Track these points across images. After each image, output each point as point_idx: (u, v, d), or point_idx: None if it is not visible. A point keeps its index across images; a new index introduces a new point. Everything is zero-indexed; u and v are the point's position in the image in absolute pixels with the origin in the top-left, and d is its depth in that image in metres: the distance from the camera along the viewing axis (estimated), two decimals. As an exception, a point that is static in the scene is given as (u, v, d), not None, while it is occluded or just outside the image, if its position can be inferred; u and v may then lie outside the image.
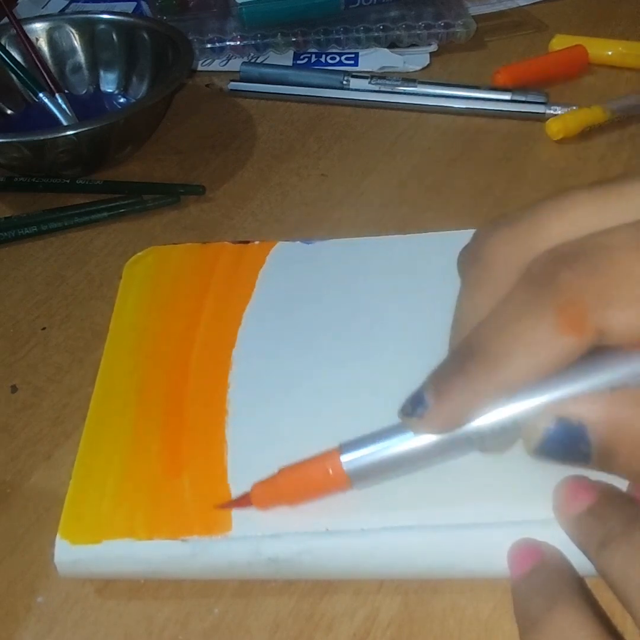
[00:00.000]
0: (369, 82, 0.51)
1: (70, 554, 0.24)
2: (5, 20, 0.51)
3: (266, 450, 0.26)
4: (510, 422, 0.21)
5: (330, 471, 0.23)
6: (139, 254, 0.36)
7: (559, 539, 0.23)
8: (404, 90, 0.51)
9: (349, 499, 0.24)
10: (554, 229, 0.21)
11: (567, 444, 0.20)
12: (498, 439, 0.22)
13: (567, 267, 0.20)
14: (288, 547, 0.24)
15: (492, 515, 0.24)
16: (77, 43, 0.52)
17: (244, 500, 0.24)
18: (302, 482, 0.24)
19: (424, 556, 0.24)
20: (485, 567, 0.24)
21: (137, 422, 0.28)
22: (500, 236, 0.22)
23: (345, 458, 0.23)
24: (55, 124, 0.47)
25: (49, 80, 0.49)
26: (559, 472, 0.24)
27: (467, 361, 0.21)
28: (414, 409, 0.22)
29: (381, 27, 0.56)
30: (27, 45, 0.50)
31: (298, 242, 0.35)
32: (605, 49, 0.54)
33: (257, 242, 0.35)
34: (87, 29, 0.52)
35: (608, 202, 0.21)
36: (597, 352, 0.20)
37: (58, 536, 0.24)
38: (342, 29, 0.56)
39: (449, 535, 0.24)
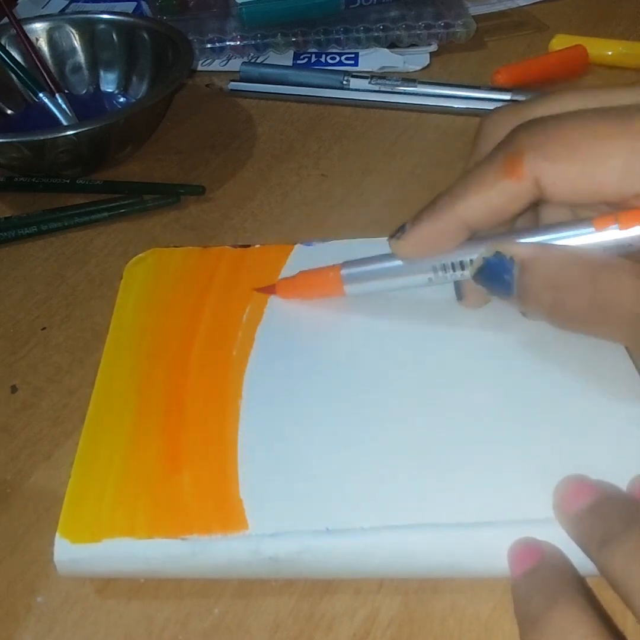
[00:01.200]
0: (369, 82, 0.51)
1: (69, 552, 0.24)
2: (5, 20, 0.51)
3: (274, 446, 0.26)
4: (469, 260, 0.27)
5: (331, 274, 0.31)
6: (140, 255, 0.36)
7: (559, 538, 0.23)
8: (404, 90, 0.51)
9: (349, 499, 0.25)
10: (537, 112, 0.25)
11: (496, 271, 0.25)
12: (470, 284, 0.27)
13: (524, 130, 0.25)
14: (288, 546, 0.24)
15: (492, 514, 0.24)
16: (77, 43, 0.52)
17: (270, 289, 0.32)
18: (312, 281, 0.31)
19: (424, 555, 0.24)
20: (485, 566, 0.24)
21: (137, 421, 0.28)
22: (498, 115, 0.27)
23: (343, 270, 0.30)
24: (55, 124, 0.47)
25: (49, 80, 0.49)
26: (559, 472, 0.24)
27: (437, 199, 0.26)
28: (396, 233, 0.27)
29: (381, 27, 0.56)
30: (27, 45, 0.50)
31: (298, 245, 0.35)
32: (605, 49, 0.54)
33: (257, 246, 0.35)
34: (87, 29, 0.52)
35: (594, 97, 0.25)
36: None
37: (57, 535, 0.24)
38: (342, 29, 0.56)
39: (448, 535, 0.23)
